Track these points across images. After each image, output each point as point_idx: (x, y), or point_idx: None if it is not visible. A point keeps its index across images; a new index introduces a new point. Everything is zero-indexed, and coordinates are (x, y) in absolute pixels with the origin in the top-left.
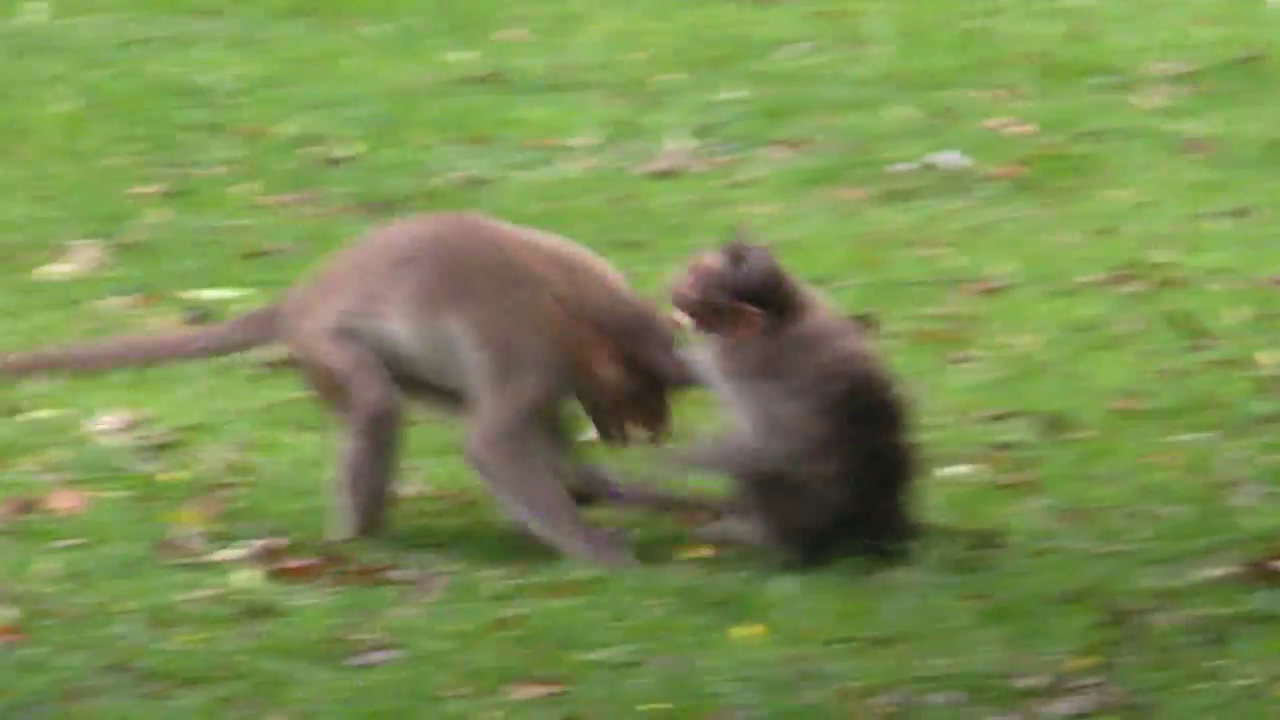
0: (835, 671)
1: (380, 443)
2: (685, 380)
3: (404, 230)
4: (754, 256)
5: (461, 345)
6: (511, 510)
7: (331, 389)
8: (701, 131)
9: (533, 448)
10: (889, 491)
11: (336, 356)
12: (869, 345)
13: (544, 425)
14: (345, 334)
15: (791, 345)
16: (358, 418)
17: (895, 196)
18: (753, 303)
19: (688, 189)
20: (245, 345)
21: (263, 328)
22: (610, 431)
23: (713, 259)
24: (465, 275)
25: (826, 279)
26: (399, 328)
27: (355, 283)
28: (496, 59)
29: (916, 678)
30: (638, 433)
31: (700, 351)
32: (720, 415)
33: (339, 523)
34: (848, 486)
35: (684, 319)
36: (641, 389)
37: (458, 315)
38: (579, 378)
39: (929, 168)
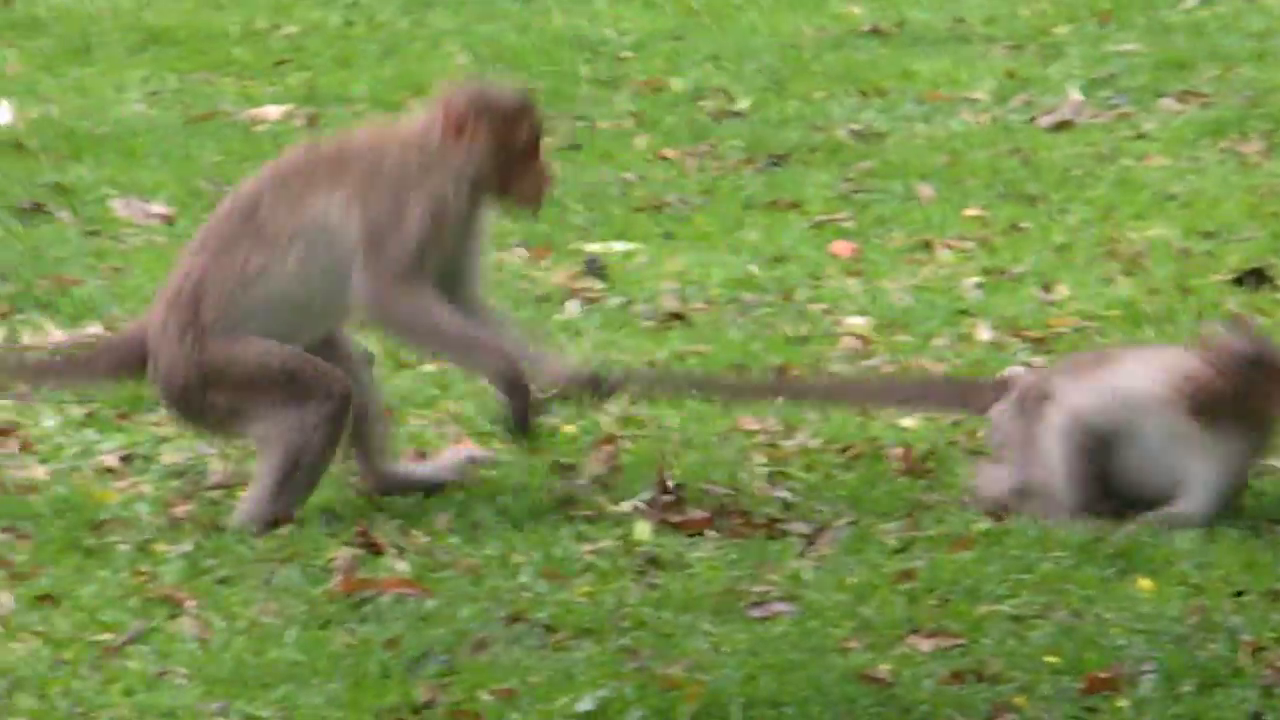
0: (1235, 624)
1: (340, 425)
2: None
3: (214, 218)
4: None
5: (334, 224)
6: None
7: (253, 391)
8: (1096, 84)
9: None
10: None
11: (249, 352)
12: None
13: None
14: (234, 326)
15: None
16: (320, 414)
17: None
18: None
19: (1082, 142)
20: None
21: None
22: (525, 202)
23: (1219, 342)
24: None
25: (1222, 232)
26: (279, 269)
27: (203, 280)
28: (891, 11)
29: None
30: (538, 187)
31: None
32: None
33: (260, 522)
34: None
35: (1196, 413)
36: (508, 145)
37: (322, 201)
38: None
39: None
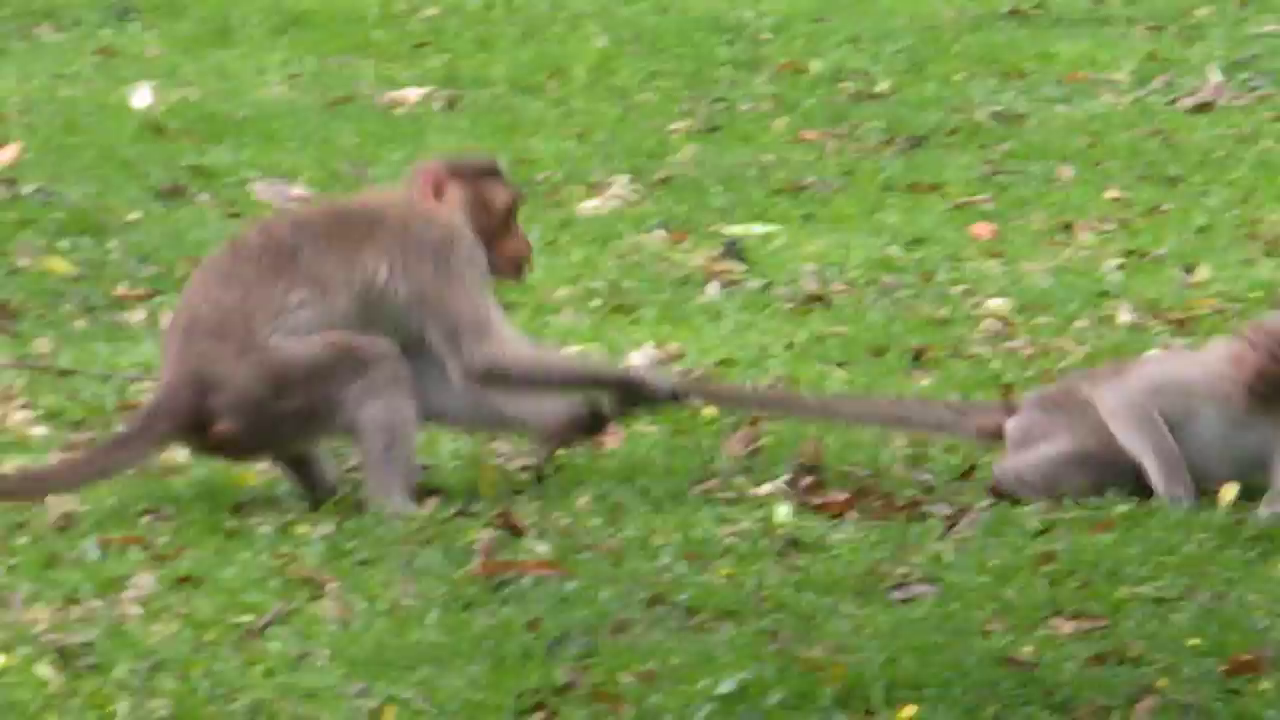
0: None
1: (403, 376)
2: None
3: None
4: None
5: (380, 281)
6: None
7: (322, 382)
8: (1237, 66)
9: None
10: None
11: (311, 348)
12: None
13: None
14: (285, 336)
15: None
16: (379, 377)
17: None
18: None
19: (1224, 123)
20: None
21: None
22: (505, 272)
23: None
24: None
25: None
26: (325, 303)
27: (243, 307)
28: None
29: None
30: (518, 256)
31: None
32: None
33: (397, 496)
34: None
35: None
36: (489, 214)
37: (374, 260)
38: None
39: None
